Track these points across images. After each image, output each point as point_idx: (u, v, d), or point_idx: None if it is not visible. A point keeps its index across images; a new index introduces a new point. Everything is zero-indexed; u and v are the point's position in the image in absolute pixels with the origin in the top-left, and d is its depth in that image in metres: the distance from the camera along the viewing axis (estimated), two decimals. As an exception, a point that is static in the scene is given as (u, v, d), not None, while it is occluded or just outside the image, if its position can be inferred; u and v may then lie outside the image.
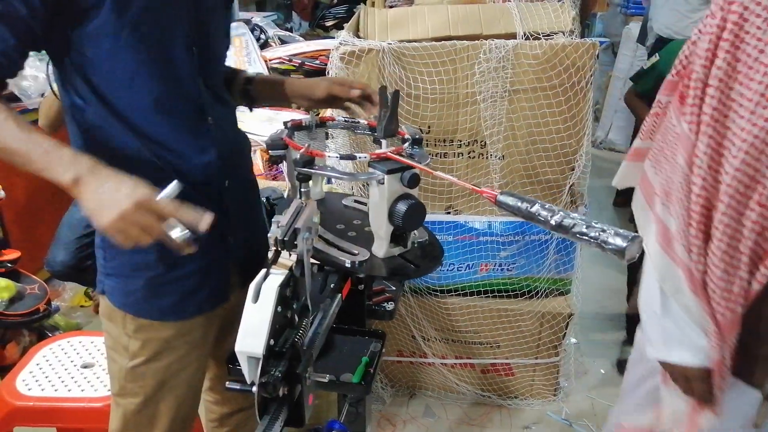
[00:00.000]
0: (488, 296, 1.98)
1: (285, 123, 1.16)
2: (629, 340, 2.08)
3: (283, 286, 0.83)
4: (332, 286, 1.12)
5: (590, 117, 1.76)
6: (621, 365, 2.13)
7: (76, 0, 0.86)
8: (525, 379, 2.12)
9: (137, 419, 1.14)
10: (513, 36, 1.70)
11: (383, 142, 1.07)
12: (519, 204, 0.85)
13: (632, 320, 2.05)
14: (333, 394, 1.65)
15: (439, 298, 1.99)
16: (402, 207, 0.99)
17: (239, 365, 0.98)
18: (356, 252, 1.06)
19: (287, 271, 0.87)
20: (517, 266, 1.97)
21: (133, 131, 0.97)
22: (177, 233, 0.82)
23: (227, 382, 0.99)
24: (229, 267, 1.14)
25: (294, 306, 0.89)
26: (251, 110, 1.30)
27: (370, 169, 1.00)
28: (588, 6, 5.29)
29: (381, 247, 1.05)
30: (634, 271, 2.08)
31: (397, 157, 1.00)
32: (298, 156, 0.99)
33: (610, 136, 4.84)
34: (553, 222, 0.80)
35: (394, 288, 1.41)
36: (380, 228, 1.03)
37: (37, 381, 1.48)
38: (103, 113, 0.96)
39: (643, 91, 2.03)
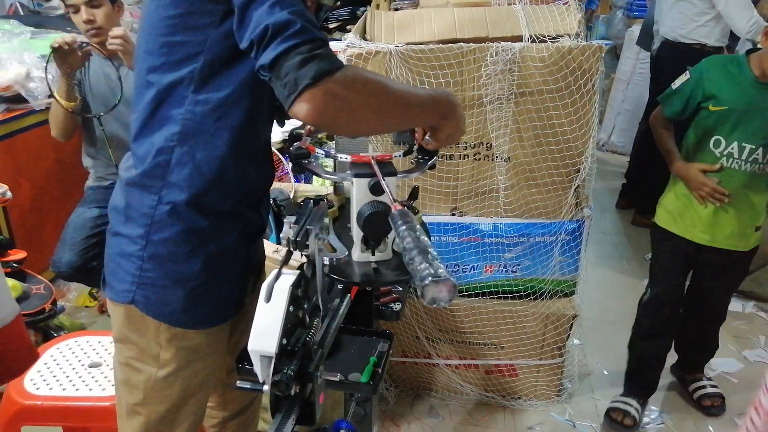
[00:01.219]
0: (493, 297, 1.99)
1: (291, 132, 1.18)
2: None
3: (295, 286, 0.84)
4: (341, 286, 1.13)
5: (596, 119, 1.77)
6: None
7: None
8: (529, 380, 2.12)
9: (159, 428, 1.13)
10: (519, 39, 1.71)
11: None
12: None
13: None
14: (339, 394, 1.65)
15: (444, 300, 2.00)
16: (363, 212, 0.97)
17: (248, 365, 1.00)
18: (341, 253, 1.06)
19: (299, 272, 0.88)
20: (522, 268, 1.97)
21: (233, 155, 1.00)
22: None
23: (238, 381, 1.00)
24: (248, 273, 1.15)
25: (305, 306, 0.90)
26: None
27: (349, 171, 1.00)
28: (591, 9, 5.31)
29: (355, 250, 1.05)
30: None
31: (368, 160, 1.00)
32: (294, 150, 1.04)
33: (612, 139, 4.85)
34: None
35: (401, 289, 1.42)
36: (353, 231, 1.03)
37: (44, 380, 1.49)
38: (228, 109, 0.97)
39: (671, 114, 1.88)
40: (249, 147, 1.02)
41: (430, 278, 0.67)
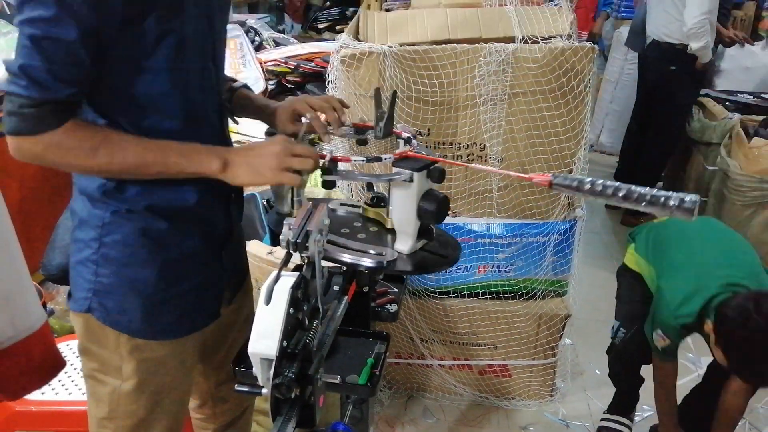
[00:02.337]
0: (486, 298, 2.00)
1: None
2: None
3: (295, 287, 0.84)
4: (337, 288, 1.13)
5: (588, 120, 1.78)
6: None
7: (118, 14, 0.84)
8: (522, 380, 2.13)
9: None
10: (512, 40, 1.71)
11: (400, 143, 1.10)
12: (572, 184, 0.91)
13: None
14: (336, 396, 1.65)
15: (438, 300, 2.00)
16: (432, 203, 1.04)
17: (245, 368, 1.00)
18: (381, 252, 1.07)
19: (298, 273, 0.87)
20: (515, 268, 1.98)
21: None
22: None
23: (236, 385, 1.00)
24: (223, 282, 1.12)
25: (305, 308, 0.90)
26: (236, 122, 1.26)
27: (395, 169, 1.03)
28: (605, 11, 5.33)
29: (406, 243, 1.09)
30: (621, 285, 2.02)
31: (422, 155, 1.05)
32: (326, 162, 1.01)
33: (601, 139, 4.88)
34: (609, 192, 0.87)
35: (396, 290, 1.42)
36: (408, 225, 1.07)
37: (36, 385, 1.47)
38: (126, 130, 0.94)
39: (663, 357, 1.74)
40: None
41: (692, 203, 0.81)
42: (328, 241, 1.08)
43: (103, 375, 1.06)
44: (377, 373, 1.09)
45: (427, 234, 1.12)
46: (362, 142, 1.22)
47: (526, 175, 0.95)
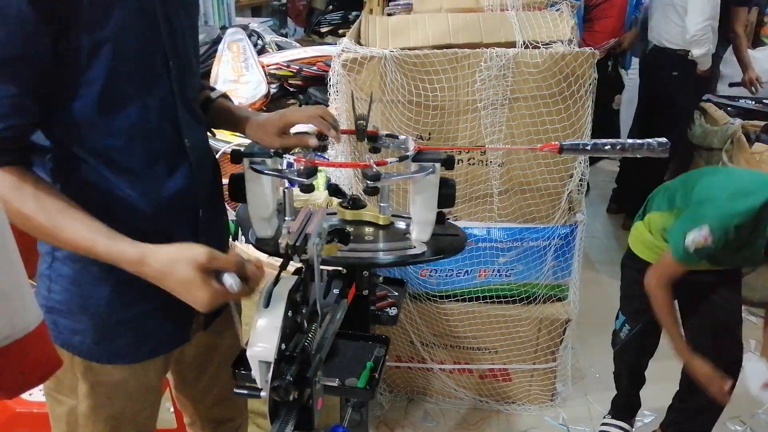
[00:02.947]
0: (486, 302, 2.00)
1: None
2: None
3: (293, 291, 0.84)
4: (337, 291, 1.13)
5: (589, 125, 1.78)
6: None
7: (41, 34, 0.79)
8: (522, 385, 2.13)
9: None
10: (512, 44, 1.72)
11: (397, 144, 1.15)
12: (578, 146, 1.13)
13: None
14: (335, 399, 1.65)
15: (438, 304, 2.00)
16: (451, 188, 1.13)
17: (244, 370, 1.00)
18: (411, 245, 1.15)
19: (297, 276, 0.88)
20: (516, 272, 1.98)
21: (104, 164, 0.89)
22: (229, 283, 0.83)
23: (235, 389, 0.99)
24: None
25: (303, 311, 0.90)
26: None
27: (415, 165, 1.10)
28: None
29: (428, 231, 1.16)
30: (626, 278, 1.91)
31: (435, 147, 1.11)
32: (373, 171, 1.05)
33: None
34: (607, 148, 1.11)
35: (396, 293, 1.42)
36: (430, 214, 1.14)
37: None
38: (68, 150, 0.88)
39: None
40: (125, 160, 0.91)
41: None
42: (349, 250, 1.10)
43: (60, 395, 1.01)
44: (376, 376, 1.09)
45: (441, 219, 1.18)
46: (376, 150, 1.23)
47: (537, 146, 1.14)
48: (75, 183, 0.89)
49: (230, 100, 1.17)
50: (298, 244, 0.89)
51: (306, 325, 0.90)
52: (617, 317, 1.90)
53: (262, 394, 0.87)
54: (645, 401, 2.03)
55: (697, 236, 1.45)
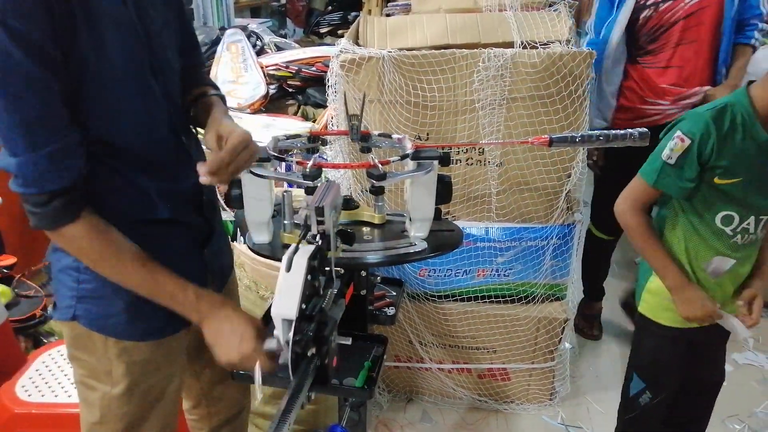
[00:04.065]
0: (485, 302, 2.00)
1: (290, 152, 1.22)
2: None
3: (312, 257, 0.90)
4: (335, 291, 1.14)
5: (587, 125, 1.78)
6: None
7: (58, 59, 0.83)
8: (521, 384, 2.13)
9: None
10: (510, 45, 1.72)
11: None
12: (567, 138, 1.16)
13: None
14: (333, 399, 1.65)
15: (437, 304, 2.01)
16: (447, 183, 1.15)
17: (243, 372, 1.04)
18: (410, 242, 1.16)
19: (315, 245, 0.93)
20: (514, 272, 1.99)
21: (122, 164, 0.97)
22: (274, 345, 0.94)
23: (234, 374, 1.06)
24: (206, 279, 1.12)
25: (320, 277, 0.95)
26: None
27: (413, 163, 1.12)
28: (580, 14, 5.35)
29: (426, 228, 1.17)
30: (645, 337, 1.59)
31: (430, 144, 1.11)
32: (379, 170, 1.07)
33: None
34: (593, 138, 1.17)
35: (394, 293, 1.43)
36: (428, 211, 1.16)
37: (36, 387, 1.48)
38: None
39: (679, 193, 1.37)
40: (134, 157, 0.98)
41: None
42: (349, 250, 1.12)
43: (94, 381, 1.06)
44: (374, 376, 1.10)
45: (438, 215, 1.19)
46: (366, 150, 1.24)
47: (528, 140, 1.17)
48: (98, 183, 0.95)
49: (223, 100, 1.17)
50: (317, 213, 0.94)
51: (322, 290, 0.96)
52: (630, 378, 1.61)
53: (258, 381, 0.94)
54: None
55: (671, 144, 1.32)
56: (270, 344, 0.94)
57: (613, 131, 1.17)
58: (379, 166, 1.07)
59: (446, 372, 2.13)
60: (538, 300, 1.99)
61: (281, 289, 0.88)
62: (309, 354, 0.90)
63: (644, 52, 2.13)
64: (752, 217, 1.36)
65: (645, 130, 1.17)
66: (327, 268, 0.97)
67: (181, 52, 1.09)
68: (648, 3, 2.06)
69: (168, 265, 0.99)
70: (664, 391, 1.57)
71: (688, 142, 1.29)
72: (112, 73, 0.89)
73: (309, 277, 0.89)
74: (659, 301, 1.48)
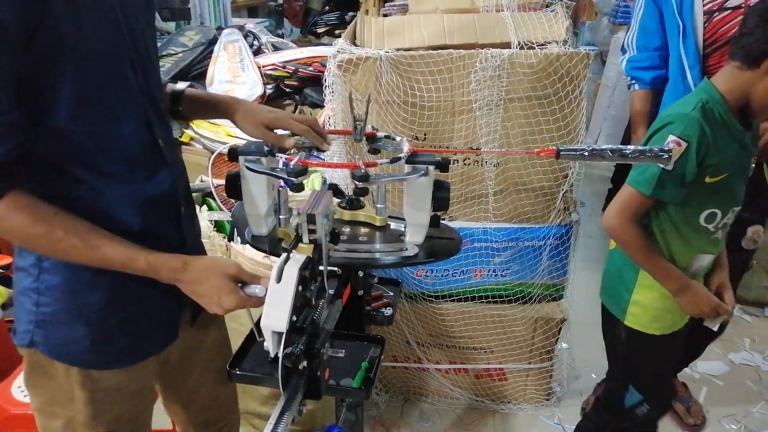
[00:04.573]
0: (482, 302, 2.00)
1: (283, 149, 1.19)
2: None
3: (303, 268, 0.89)
4: (332, 291, 1.13)
5: (584, 125, 1.78)
6: None
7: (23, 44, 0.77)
8: (518, 384, 2.14)
9: None
10: (507, 45, 1.72)
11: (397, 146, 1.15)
12: (576, 152, 1.05)
13: None
14: (330, 399, 1.65)
15: (434, 304, 2.01)
16: (445, 191, 1.13)
17: (239, 372, 1.03)
18: (403, 247, 1.15)
19: (306, 255, 0.92)
20: (511, 272, 1.99)
21: (83, 170, 0.88)
22: (257, 290, 0.94)
23: (230, 373, 1.03)
24: (181, 302, 1.03)
25: (312, 287, 0.94)
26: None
27: (408, 167, 1.10)
28: (577, 15, 5.37)
29: (421, 234, 1.16)
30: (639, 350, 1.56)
31: (431, 149, 1.09)
32: (361, 171, 1.04)
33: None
34: (606, 154, 1.03)
35: (392, 293, 1.43)
36: (423, 216, 1.14)
37: (32, 387, 1.47)
38: (44, 160, 0.86)
39: (673, 199, 1.33)
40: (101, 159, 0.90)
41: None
42: (344, 250, 1.12)
43: (55, 407, 1.00)
44: (371, 376, 1.10)
45: (435, 222, 1.18)
46: (375, 151, 1.24)
47: (534, 151, 1.06)
48: (55, 192, 0.87)
49: (196, 87, 1.17)
50: (308, 220, 0.93)
51: (314, 300, 0.95)
52: (627, 389, 1.57)
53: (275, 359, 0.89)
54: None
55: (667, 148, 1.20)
56: (251, 291, 0.93)
57: (630, 147, 1.04)
58: (362, 167, 1.05)
59: (443, 372, 2.13)
60: (535, 300, 1.99)
61: (271, 301, 0.86)
62: (300, 367, 0.88)
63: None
64: (731, 211, 1.37)
65: (666, 147, 1.05)
66: (320, 277, 0.95)
67: None
68: (704, 8, 1.65)
69: (135, 281, 0.92)
70: (663, 398, 1.59)
71: (685, 145, 1.24)
72: (88, 56, 0.84)
73: (300, 287, 0.88)
74: (649, 313, 1.45)
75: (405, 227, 1.20)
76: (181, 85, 1.16)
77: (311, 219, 0.92)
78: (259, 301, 0.92)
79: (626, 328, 1.49)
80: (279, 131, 1.13)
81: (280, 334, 0.85)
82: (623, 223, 1.35)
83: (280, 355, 0.85)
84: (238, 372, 1.05)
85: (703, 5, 1.64)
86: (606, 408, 1.68)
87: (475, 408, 2.17)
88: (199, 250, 1.16)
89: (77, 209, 0.88)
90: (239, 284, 0.94)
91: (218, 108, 1.17)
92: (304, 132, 1.13)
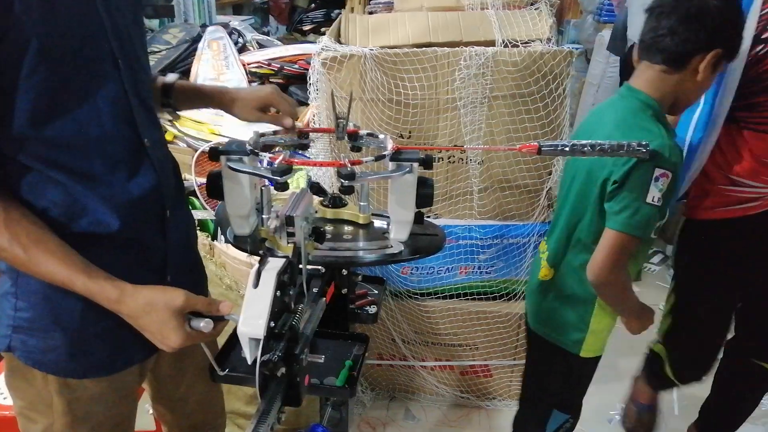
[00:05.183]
0: (467, 299, 2.01)
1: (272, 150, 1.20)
2: None
3: (281, 272, 0.87)
4: (316, 290, 1.13)
5: (567, 123, 1.80)
6: None
7: None
8: (503, 380, 2.15)
9: None
10: (492, 43, 1.73)
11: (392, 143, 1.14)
12: (557, 147, 1.04)
13: None
14: (315, 398, 1.65)
15: (419, 301, 2.01)
16: (429, 188, 1.11)
17: (222, 372, 1.01)
18: (388, 245, 1.13)
19: (285, 259, 0.90)
20: (496, 269, 2.00)
21: (58, 171, 0.85)
22: (202, 325, 0.88)
23: (214, 375, 1.01)
24: None
25: (291, 291, 0.92)
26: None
27: (392, 165, 1.09)
28: (562, 13, 5.39)
29: (405, 231, 1.15)
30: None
31: (414, 146, 1.08)
32: (347, 170, 1.02)
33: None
34: (586, 149, 1.03)
35: (376, 291, 1.42)
36: (408, 213, 1.13)
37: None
38: (14, 160, 0.82)
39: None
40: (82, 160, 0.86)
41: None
42: (327, 249, 1.11)
43: (34, 413, 0.98)
44: (355, 375, 1.09)
45: (419, 219, 1.17)
46: (357, 149, 1.23)
47: (516, 147, 1.05)
48: (27, 194, 0.84)
49: (185, 79, 1.18)
50: (287, 223, 0.92)
51: (293, 305, 0.93)
52: (549, 414, 1.54)
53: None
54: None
55: (658, 185, 1.16)
56: (196, 325, 0.87)
57: (608, 142, 1.02)
58: (348, 165, 1.04)
59: (429, 369, 2.13)
60: (519, 297, 2.00)
61: (248, 306, 0.83)
62: (279, 374, 0.85)
63: (744, 105, 1.38)
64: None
65: (644, 141, 1.02)
66: (299, 281, 0.93)
67: None
68: (763, 35, 1.34)
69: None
70: (579, 405, 1.56)
71: (671, 174, 1.16)
72: (62, 51, 0.80)
73: (278, 293, 0.85)
74: (602, 337, 1.41)
75: (388, 225, 1.20)
76: (171, 77, 1.15)
77: (290, 221, 0.91)
78: (208, 335, 0.88)
79: (580, 360, 1.42)
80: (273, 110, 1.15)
81: (257, 340, 0.83)
82: (619, 273, 1.23)
83: (258, 362, 0.83)
84: (221, 372, 1.05)
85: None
86: None
87: (461, 405, 2.18)
88: (186, 257, 1.11)
89: (54, 209, 0.85)
90: (189, 316, 0.88)
91: (210, 99, 1.17)
92: (287, 112, 1.15)
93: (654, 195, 1.16)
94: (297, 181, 1.94)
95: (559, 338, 1.44)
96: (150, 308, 0.85)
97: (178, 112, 1.18)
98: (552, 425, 1.55)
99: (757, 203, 1.41)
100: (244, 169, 1.07)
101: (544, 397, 1.56)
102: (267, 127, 1.19)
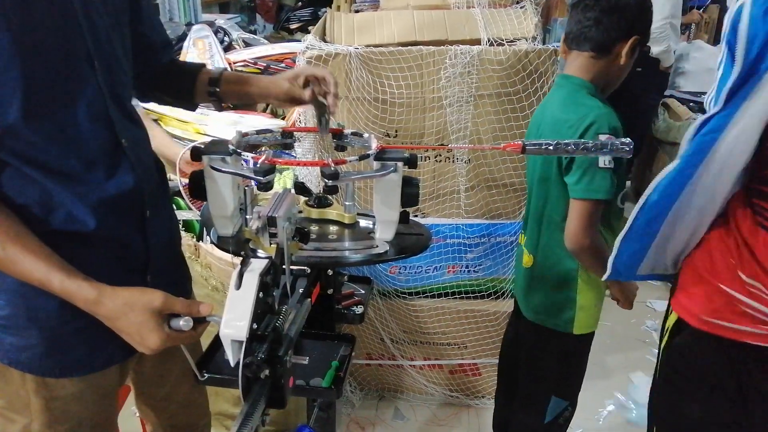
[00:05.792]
0: (455, 298, 2.01)
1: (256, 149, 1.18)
2: None
3: (264, 273, 0.86)
4: (301, 290, 1.13)
5: (553, 121, 1.80)
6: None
7: None
8: (492, 379, 2.15)
9: None
10: (477, 42, 1.73)
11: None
12: (541, 147, 1.03)
13: None
14: (302, 399, 1.64)
15: (407, 301, 2.01)
16: (415, 187, 1.11)
17: (207, 374, 1.00)
18: (373, 244, 1.13)
19: (268, 259, 0.89)
20: (484, 268, 2.00)
21: (35, 169, 0.84)
22: (181, 323, 0.87)
23: (200, 377, 0.99)
24: None
25: (274, 293, 0.91)
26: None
27: (377, 164, 1.08)
28: (549, 12, 5.40)
29: (391, 231, 1.14)
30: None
31: (399, 145, 1.07)
32: (331, 169, 1.01)
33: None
34: (570, 148, 1.01)
35: (363, 291, 1.42)
36: (393, 213, 1.12)
37: None
38: None
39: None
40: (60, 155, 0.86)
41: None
42: (312, 249, 1.10)
43: (12, 413, 0.96)
44: (342, 375, 1.09)
45: (405, 218, 1.17)
46: (342, 148, 1.23)
47: (500, 146, 1.05)
48: (4, 190, 0.84)
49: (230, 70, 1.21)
50: (269, 223, 0.90)
51: (277, 306, 0.92)
52: (546, 404, 1.55)
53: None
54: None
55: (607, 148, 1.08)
56: (175, 324, 0.86)
57: (593, 141, 1.01)
58: (332, 165, 1.04)
59: (418, 369, 2.13)
60: (507, 295, 2.01)
61: (230, 308, 0.82)
62: (262, 376, 0.84)
63: (759, 179, 0.91)
64: (623, 183, 1.36)
65: (628, 140, 1.00)
66: (283, 282, 0.92)
67: (157, 51, 1.10)
68: None
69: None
70: (577, 392, 1.58)
71: (614, 137, 1.15)
72: (37, 49, 0.80)
73: (261, 294, 0.84)
74: (592, 312, 1.45)
75: (374, 224, 1.19)
76: (217, 69, 1.19)
77: (272, 222, 0.90)
78: (188, 336, 0.87)
79: (574, 338, 1.46)
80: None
81: (240, 342, 0.82)
82: (593, 238, 1.31)
83: (241, 364, 0.82)
84: (205, 374, 1.04)
85: None
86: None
87: (450, 403, 2.18)
88: (168, 257, 1.10)
89: (31, 206, 0.85)
90: (168, 317, 0.86)
91: (257, 86, 1.20)
92: (325, 77, 1.16)
93: (604, 159, 1.26)
94: (284, 181, 1.92)
95: (552, 321, 1.48)
96: (128, 309, 0.84)
97: (221, 103, 1.21)
98: (551, 413, 1.57)
99: None
100: (226, 169, 1.06)
101: (542, 386, 1.58)
102: (250, 127, 1.18)
